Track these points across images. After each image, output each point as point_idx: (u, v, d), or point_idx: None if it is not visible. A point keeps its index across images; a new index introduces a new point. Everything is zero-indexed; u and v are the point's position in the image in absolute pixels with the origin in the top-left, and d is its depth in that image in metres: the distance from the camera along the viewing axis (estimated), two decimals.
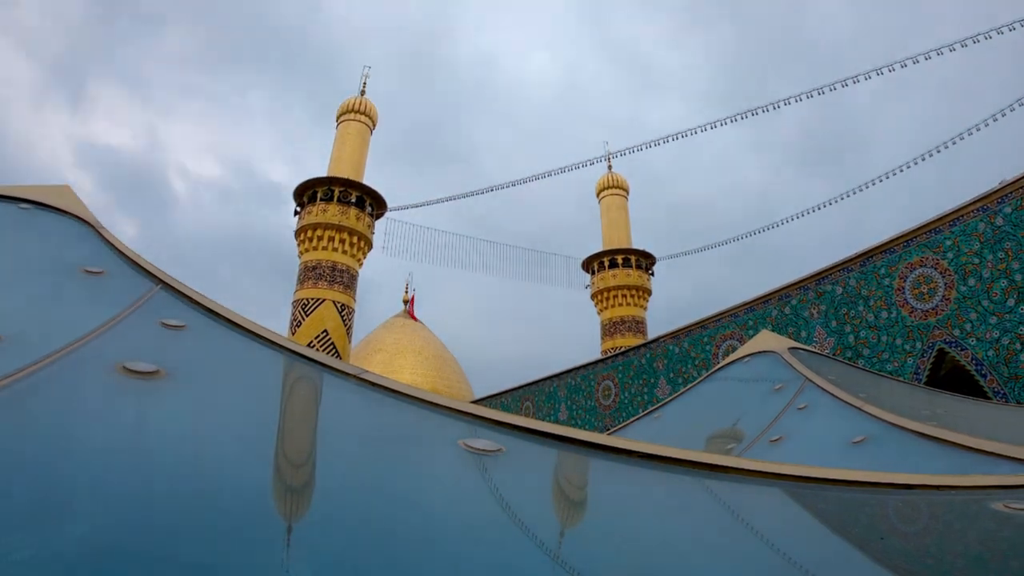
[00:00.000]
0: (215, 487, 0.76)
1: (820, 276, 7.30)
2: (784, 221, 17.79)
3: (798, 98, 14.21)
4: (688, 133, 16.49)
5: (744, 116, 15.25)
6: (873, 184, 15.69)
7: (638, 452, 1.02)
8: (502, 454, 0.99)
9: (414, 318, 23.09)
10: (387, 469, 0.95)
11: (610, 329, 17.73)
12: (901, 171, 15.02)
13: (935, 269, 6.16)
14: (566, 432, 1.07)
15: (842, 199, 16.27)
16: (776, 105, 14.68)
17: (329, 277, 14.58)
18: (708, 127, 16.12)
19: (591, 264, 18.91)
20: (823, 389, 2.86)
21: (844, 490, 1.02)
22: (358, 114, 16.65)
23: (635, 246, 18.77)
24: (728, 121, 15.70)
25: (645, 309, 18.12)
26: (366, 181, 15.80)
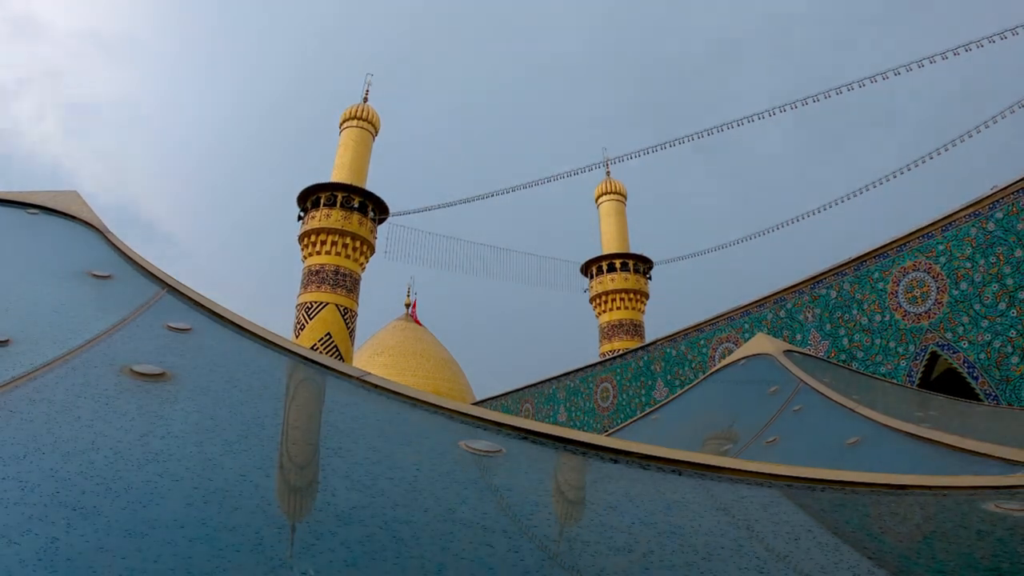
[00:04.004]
0: (220, 488, 0.78)
1: (815, 280, 7.35)
2: (780, 226, 17.92)
3: (793, 105, 14.36)
4: (687, 138, 16.60)
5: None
6: (863, 192, 15.90)
7: (636, 453, 1.03)
8: (502, 455, 1.00)
9: (417, 322, 23.04)
10: (389, 470, 0.96)
11: (608, 332, 17.76)
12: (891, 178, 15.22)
13: (928, 273, 6.23)
14: (565, 433, 1.09)
15: (841, 201, 16.44)
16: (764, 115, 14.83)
17: (332, 281, 14.61)
18: (706, 133, 16.24)
19: (589, 268, 18.96)
20: (818, 391, 2.89)
21: (839, 491, 1.04)
22: (361, 120, 16.71)
23: (633, 250, 18.84)
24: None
25: (643, 312, 18.17)
26: (368, 186, 15.85)
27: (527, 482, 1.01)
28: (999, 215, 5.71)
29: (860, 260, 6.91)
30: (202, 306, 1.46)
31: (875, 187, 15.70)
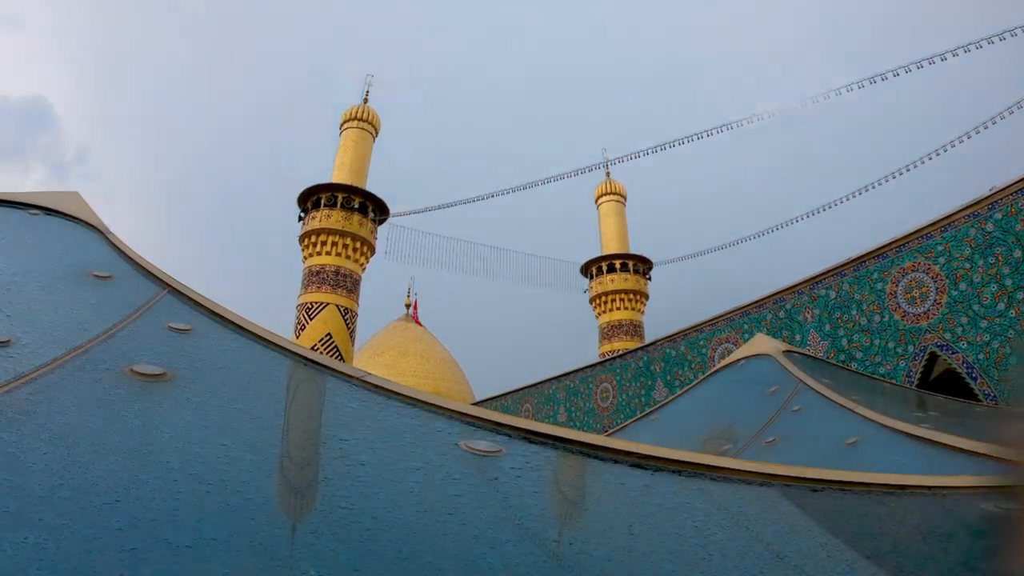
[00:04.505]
0: (220, 488, 0.78)
1: (814, 280, 7.37)
2: (779, 227, 17.91)
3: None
4: (687, 140, 16.59)
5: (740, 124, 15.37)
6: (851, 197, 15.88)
7: (636, 453, 1.04)
8: (502, 455, 1.01)
9: (418, 322, 23.04)
10: (390, 470, 0.96)
11: (608, 332, 17.78)
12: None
13: (927, 274, 6.24)
14: (565, 434, 1.09)
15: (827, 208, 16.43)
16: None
17: (332, 282, 14.64)
18: (706, 134, 16.24)
19: (589, 269, 19.00)
20: (817, 392, 2.90)
21: (838, 491, 1.05)
22: (361, 122, 16.77)
23: (632, 251, 18.88)
24: (727, 128, 15.81)
25: (643, 313, 18.20)
26: (368, 187, 15.88)
27: (527, 482, 1.02)
28: (998, 216, 5.72)
29: (859, 260, 6.92)
30: (202, 306, 1.46)
31: (874, 188, 15.71)
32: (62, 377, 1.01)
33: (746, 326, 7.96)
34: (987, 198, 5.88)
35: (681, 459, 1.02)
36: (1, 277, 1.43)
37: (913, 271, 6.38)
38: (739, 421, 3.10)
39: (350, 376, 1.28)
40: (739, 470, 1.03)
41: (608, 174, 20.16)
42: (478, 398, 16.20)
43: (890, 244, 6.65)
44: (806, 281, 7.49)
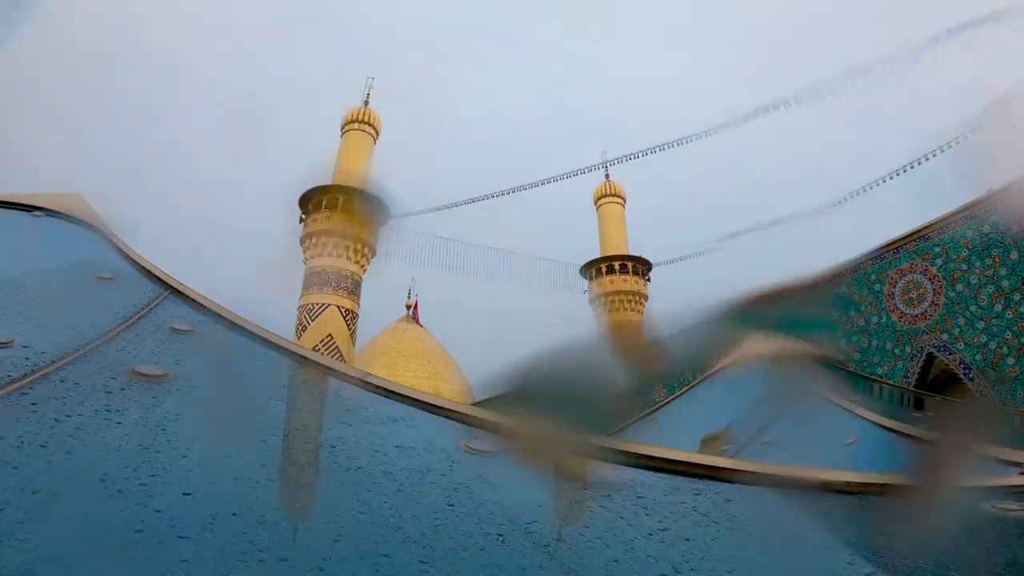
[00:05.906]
0: (220, 488, 0.79)
1: (812, 281, 7.37)
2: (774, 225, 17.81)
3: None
4: (686, 140, 16.57)
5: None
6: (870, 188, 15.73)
7: (635, 453, 1.04)
8: (501, 455, 1.01)
9: (418, 323, 23.00)
10: (391, 470, 0.97)
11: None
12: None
13: (924, 275, 6.26)
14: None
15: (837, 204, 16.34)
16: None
17: (334, 283, 14.64)
18: (707, 134, 16.20)
19: (589, 270, 19.02)
20: (815, 392, 2.90)
21: (838, 491, 1.05)
22: (362, 124, 16.80)
23: (632, 252, 18.89)
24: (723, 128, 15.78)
25: (642, 314, 18.20)
26: (369, 188, 15.87)
27: (526, 482, 1.02)
28: (994, 217, 5.74)
29: (857, 262, 6.94)
30: (204, 307, 1.47)
31: (878, 185, 15.61)
32: (65, 378, 1.02)
33: (744, 327, 7.95)
34: (985, 200, 5.90)
35: (680, 459, 1.03)
36: (4, 278, 1.43)
37: (911, 272, 6.40)
38: (737, 421, 3.11)
39: (351, 377, 1.29)
40: (737, 470, 1.04)
41: (607, 175, 20.17)
42: (478, 398, 16.13)
43: (888, 246, 6.66)
44: (803, 280, 7.49)
